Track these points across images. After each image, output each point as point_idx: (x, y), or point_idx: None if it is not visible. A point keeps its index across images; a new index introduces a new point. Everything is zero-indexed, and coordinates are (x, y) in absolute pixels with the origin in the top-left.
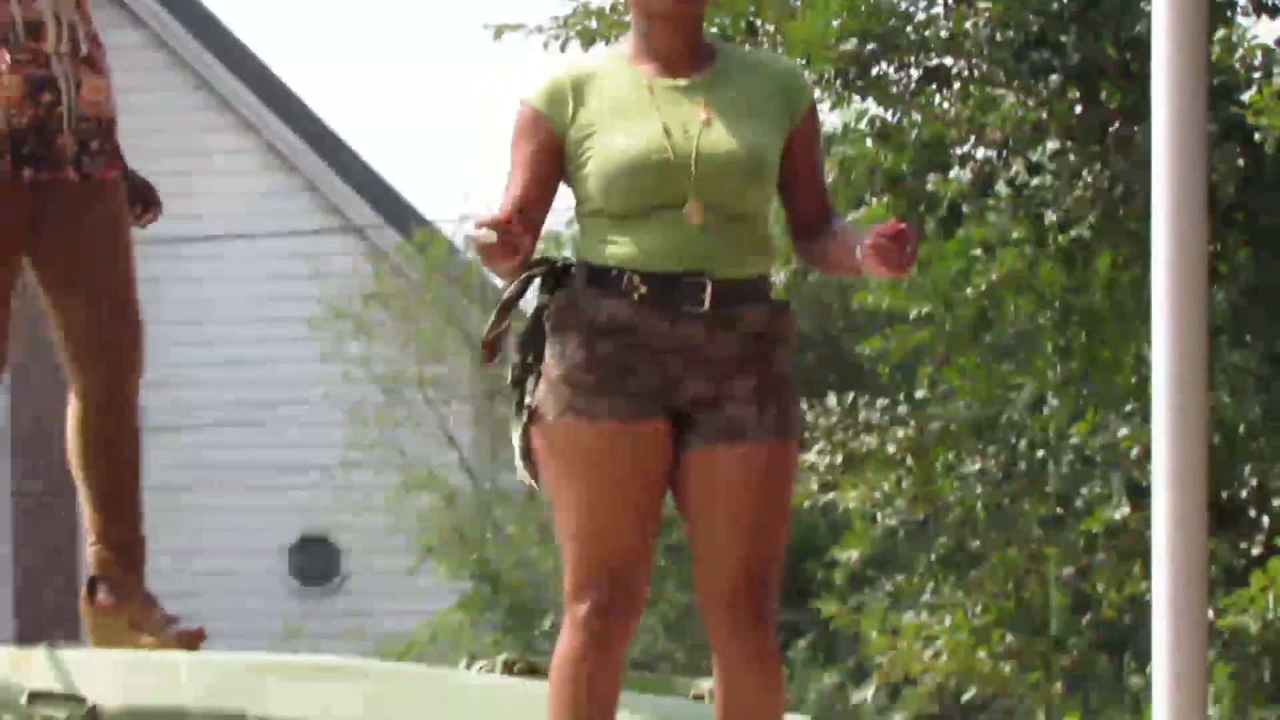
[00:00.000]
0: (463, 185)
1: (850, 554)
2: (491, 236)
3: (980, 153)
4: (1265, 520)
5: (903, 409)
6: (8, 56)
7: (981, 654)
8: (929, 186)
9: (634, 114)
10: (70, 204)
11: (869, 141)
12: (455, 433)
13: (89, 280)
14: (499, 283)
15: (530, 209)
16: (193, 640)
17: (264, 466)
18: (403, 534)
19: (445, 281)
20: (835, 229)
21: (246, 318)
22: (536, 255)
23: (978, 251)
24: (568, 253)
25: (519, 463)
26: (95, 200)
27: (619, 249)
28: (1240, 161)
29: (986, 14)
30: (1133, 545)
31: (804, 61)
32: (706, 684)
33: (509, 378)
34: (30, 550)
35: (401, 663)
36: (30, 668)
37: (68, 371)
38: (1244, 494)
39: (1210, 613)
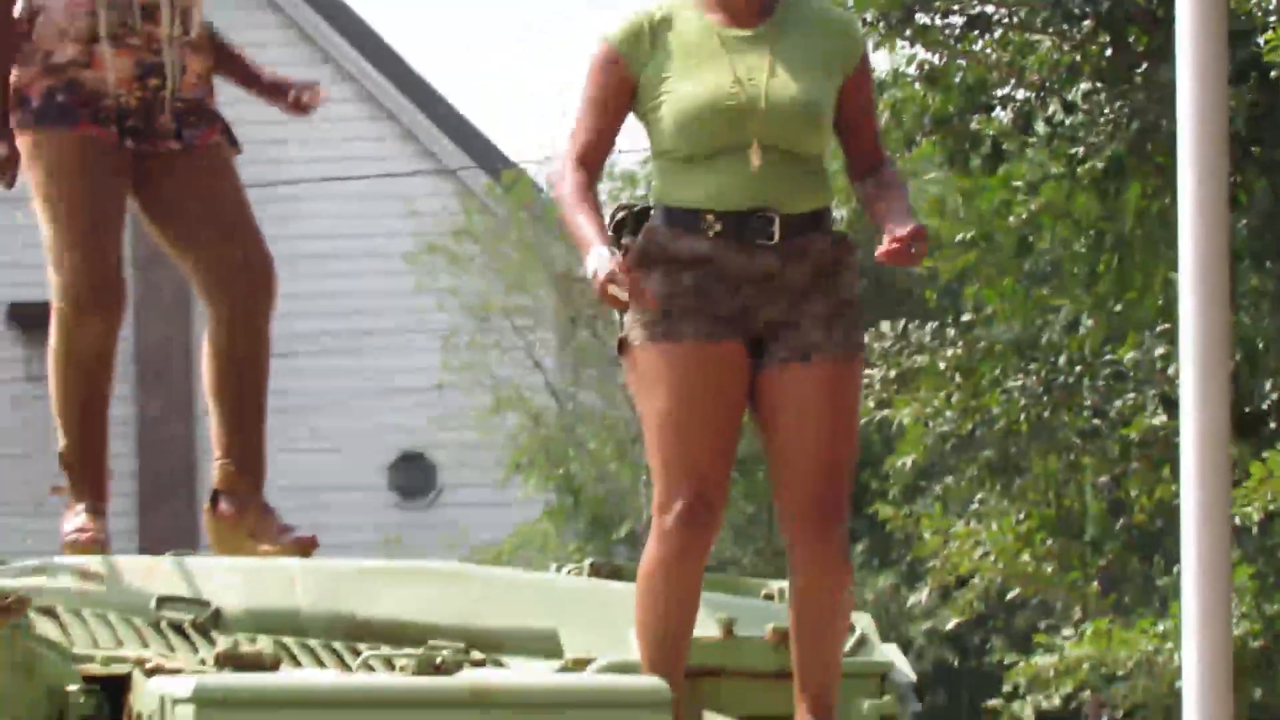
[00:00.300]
0: (545, 128)
1: (905, 460)
2: (622, 293)
3: (1020, 94)
4: None
5: (950, 332)
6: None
7: (1025, 557)
8: (973, 126)
9: (705, 62)
10: (176, 168)
11: (917, 85)
12: (540, 357)
13: (213, 226)
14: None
15: (600, 153)
16: (306, 547)
17: (365, 391)
18: (493, 451)
19: (529, 218)
20: (882, 183)
21: (349, 253)
22: (619, 201)
23: (1018, 184)
24: (642, 191)
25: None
26: (200, 161)
27: (692, 190)
28: (1255, 99)
29: None
30: (1163, 454)
31: (850, 3)
32: (775, 584)
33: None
34: (150, 467)
35: (496, 567)
36: (157, 575)
37: (206, 304)
38: (1264, 405)
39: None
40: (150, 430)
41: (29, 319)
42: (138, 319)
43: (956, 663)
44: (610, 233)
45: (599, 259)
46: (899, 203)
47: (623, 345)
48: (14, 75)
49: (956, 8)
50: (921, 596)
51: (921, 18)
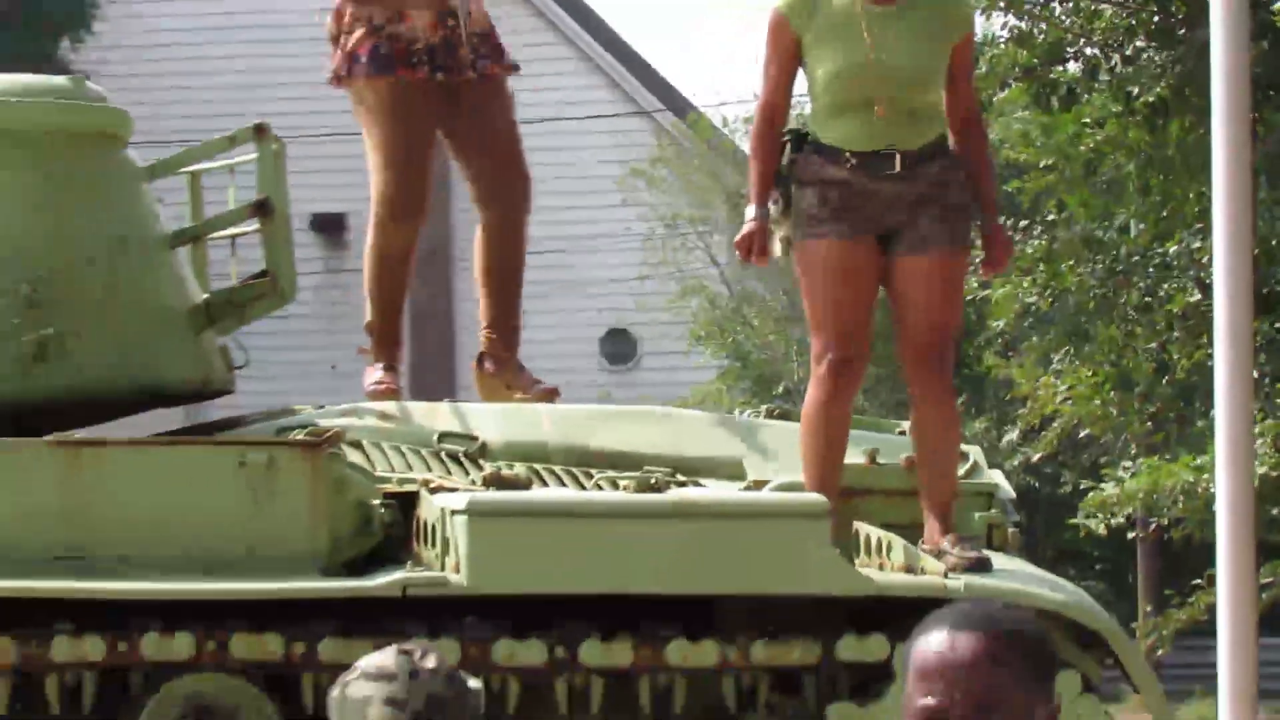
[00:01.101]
0: (720, 75)
1: (999, 322)
2: (744, 253)
3: (1088, 50)
4: None
5: (1037, 229)
6: None
7: (1095, 402)
8: (1051, 75)
9: (847, 33)
10: (472, 96)
11: (1006, 44)
12: (716, 255)
13: (491, 146)
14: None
15: (780, 99)
16: (550, 396)
17: (585, 281)
18: (680, 327)
19: (708, 148)
20: (972, 147)
21: (574, 177)
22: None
23: (1086, 121)
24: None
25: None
26: (488, 90)
27: (835, 133)
28: (1272, 53)
29: None
30: (1199, 325)
31: None
32: (906, 424)
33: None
34: (420, 336)
35: (693, 409)
36: (438, 416)
37: (479, 208)
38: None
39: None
40: (421, 307)
41: (326, 225)
42: None
43: (1037, 489)
44: (785, 142)
45: (749, 217)
46: (989, 195)
47: (788, 243)
48: (348, 41)
49: None
50: (1012, 436)
51: None
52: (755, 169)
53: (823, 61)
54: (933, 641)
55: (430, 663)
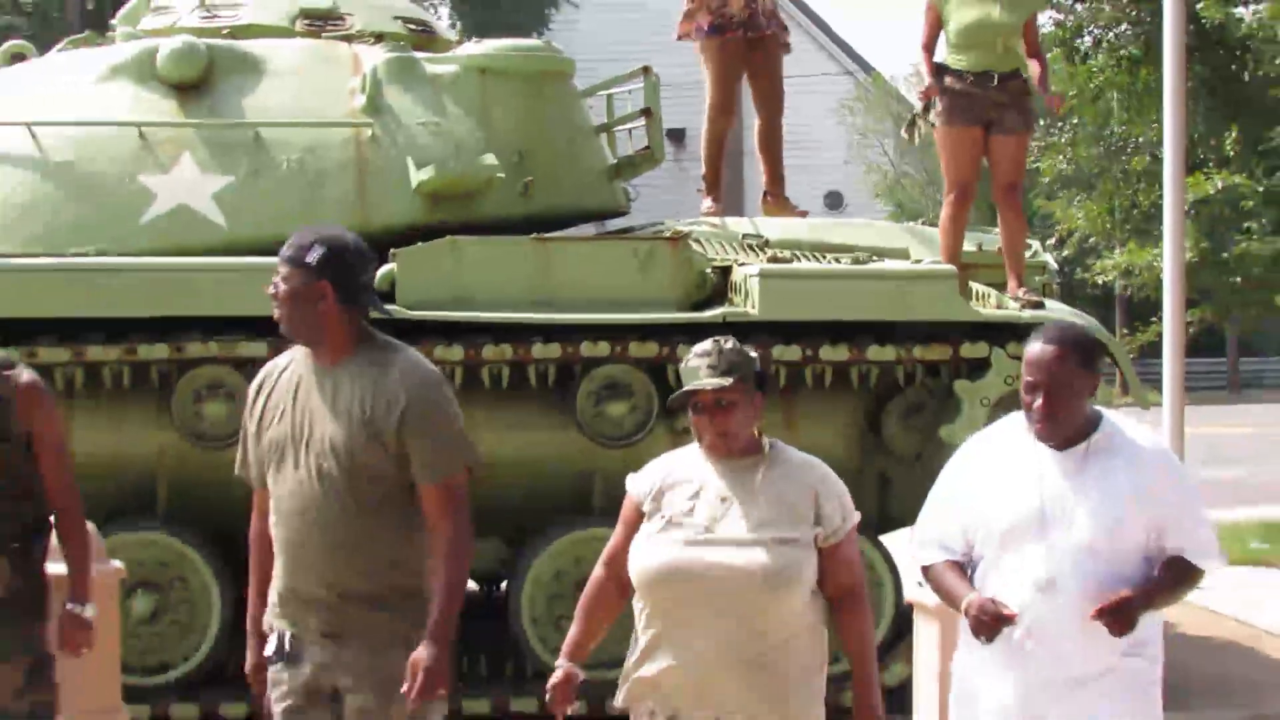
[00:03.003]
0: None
1: (1046, 179)
2: None
3: (1095, 31)
4: None
5: (1067, 129)
6: None
7: (1098, 222)
8: (1076, 42)
9: (971, 8)
10: (761, 50)
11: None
12: (889, 151)
13: (769, 80)
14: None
15: (932, 48)
16: (802, 215)
17: (815, 165)
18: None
19: (890, 96)
20: (1039, 61)
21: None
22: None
23: (1094, 69)
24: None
25: None
26: (771, 47)
27: (955, 62)
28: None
29: None
30: (1153, 180)
31: None
32: (997, 230)
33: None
34: (730, 184)
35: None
36: (741, 225)
37: (759, 114)
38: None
39: None
40: (731, 163)
41: (673, 134)
42: None
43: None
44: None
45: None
46: (1045, 82)
47: (926, 128)
48: (694, 14)
49: None
50: (1049, 242)
51: None
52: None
53: (952, 25)
54: (1034, 346)
55: (729, 344)
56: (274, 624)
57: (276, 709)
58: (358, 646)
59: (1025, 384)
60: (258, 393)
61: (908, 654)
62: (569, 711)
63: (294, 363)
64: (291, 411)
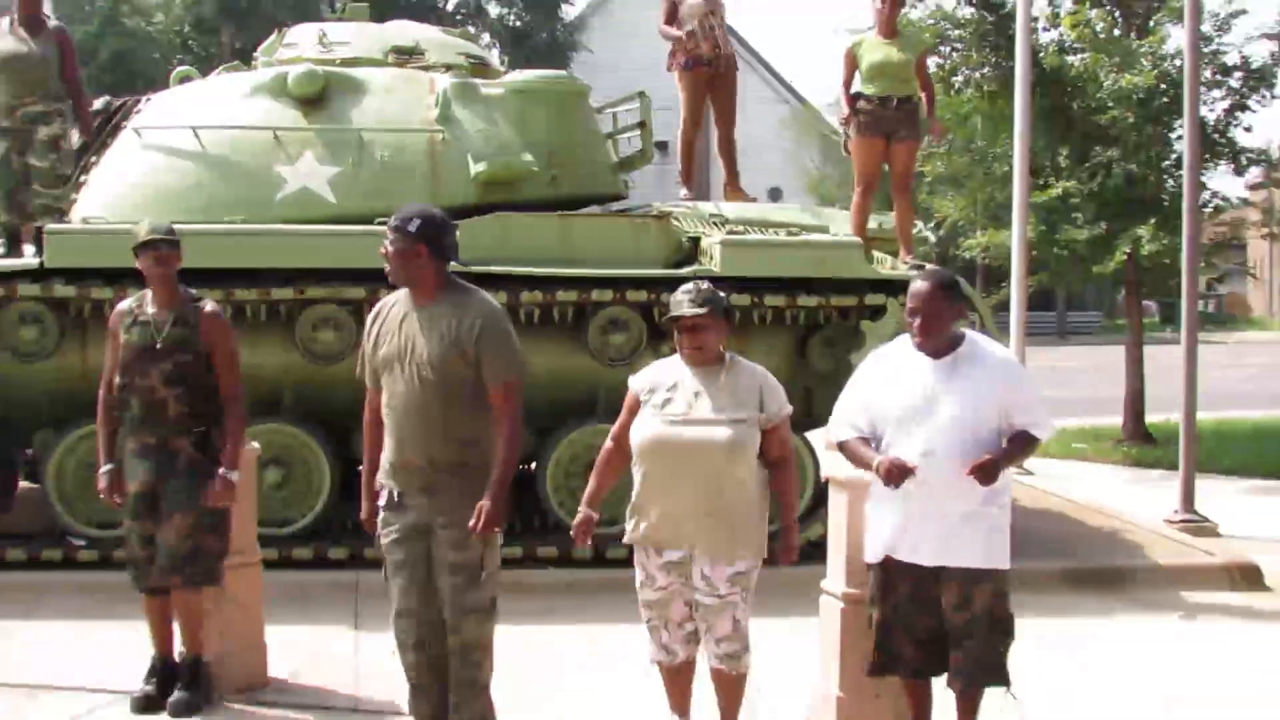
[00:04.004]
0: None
1: (929, 178)
2: None
3: (968, 73)
4: None
5: (945, 142)
6: None
7: (966, 211)
8: (954, 80)
9: (875, 49)
10: (725, 82)
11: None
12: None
13: (726, 99)
14: None
15: (849, 84)
16: (752, 200)
17: (758, 166)
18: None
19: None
20: (927, 95)
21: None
22: None
23: (964, 99)
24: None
25: None
26: (731, 80)
27: (866, 89)
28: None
29: None
30: (1008, 181)
31: None
32: (892, 214)
33: None
34: (700, 178)
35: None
36: (705, 208)
37: (717, 125)
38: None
39: None
40: (700, 161)
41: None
42: None
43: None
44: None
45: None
46: (931, 111)
47: (847, 141)
48: (677, 54)
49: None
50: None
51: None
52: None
53: (867, 60)
54: (915, 284)
55: (705, 285)
56: (385, 484)
57: (386, 540)
58: (446, 499)
59: (908, 310)
60: (373, 322)
61: (824, 518)
62: (586, 544)
63: (399, 301)
64: (398, 335)
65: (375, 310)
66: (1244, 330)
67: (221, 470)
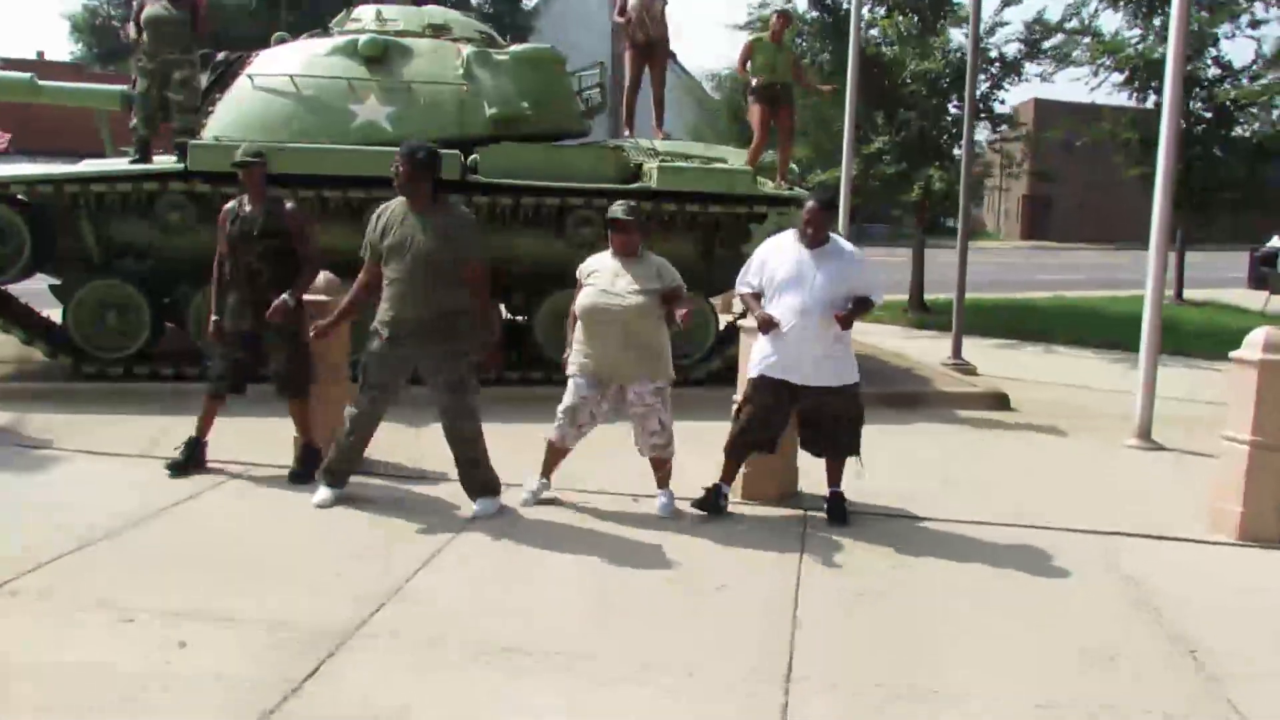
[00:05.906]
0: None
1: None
2: None
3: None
4: None
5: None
6: None
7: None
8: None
9: (765, 50)
10: (658, 54)
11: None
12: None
13: (658, 75)
14: None
15: (743, 69)
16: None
17: None
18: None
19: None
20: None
21: None
22: None
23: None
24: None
25: None
26: (663, 54)
27: (757, 75)
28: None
29: None
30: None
31: None
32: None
33: None
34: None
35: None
36: (644, 144)
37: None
38: None
39: None
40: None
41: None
42: None
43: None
44: (745, 72)
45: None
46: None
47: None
48: (625, 34)
49: None
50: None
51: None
52: (742, 75)
53: (758, 58)
54: (808, 201)
55: (633, 202)
56: (381, 330)
57: (372, 366)
58: (435, 350)
59: (803, 219)
60: (378, 218)
61: (722, 355)
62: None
63: (399, 205)
64: (400, 229)
65: (378, 211)
66: (980, 241)
67: (284, 295)
